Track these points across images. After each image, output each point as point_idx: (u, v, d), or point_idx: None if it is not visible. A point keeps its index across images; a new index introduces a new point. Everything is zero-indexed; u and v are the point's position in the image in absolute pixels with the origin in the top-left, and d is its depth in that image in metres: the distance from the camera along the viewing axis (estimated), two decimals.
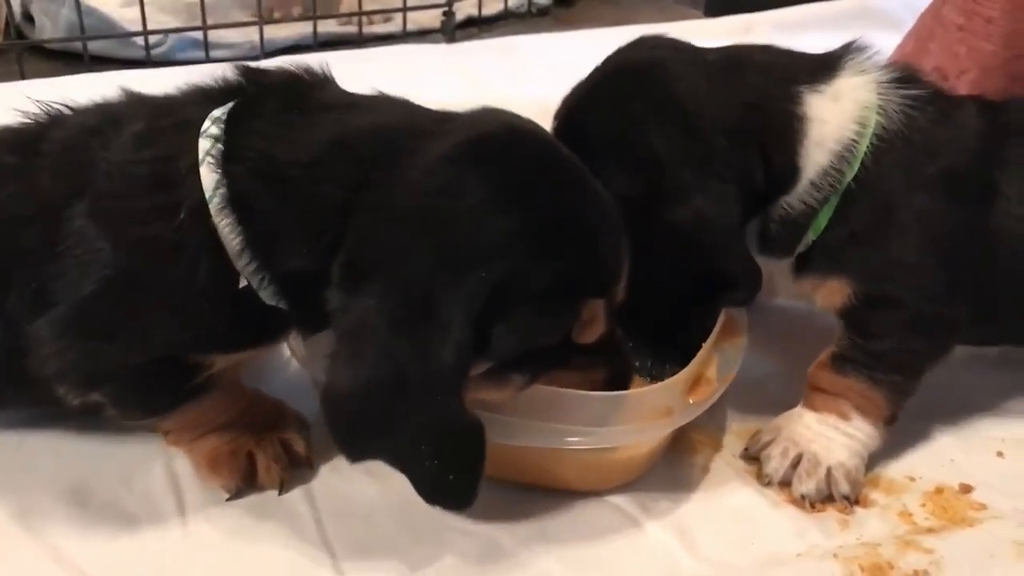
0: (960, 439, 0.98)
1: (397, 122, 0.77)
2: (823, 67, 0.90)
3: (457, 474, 0.75)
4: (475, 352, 0.71)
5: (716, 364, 0.90)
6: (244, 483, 0.89)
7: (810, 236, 0.89)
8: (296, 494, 0.89)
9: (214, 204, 0.75)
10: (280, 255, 0.76)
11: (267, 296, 0.78)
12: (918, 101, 0.89)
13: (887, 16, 2.08)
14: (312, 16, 1.98)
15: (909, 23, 1.46)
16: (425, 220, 0.71)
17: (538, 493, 0.89)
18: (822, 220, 0.88)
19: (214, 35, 1.95)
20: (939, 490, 0.91)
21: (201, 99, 0.82)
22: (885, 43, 1.46)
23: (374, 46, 2.04)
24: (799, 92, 0.87)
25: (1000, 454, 0.96)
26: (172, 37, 1.94)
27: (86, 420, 0.93)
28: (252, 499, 0.89)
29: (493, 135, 0.75)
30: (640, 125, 0.83)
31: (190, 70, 1.82)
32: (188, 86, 0.85)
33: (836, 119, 0.87)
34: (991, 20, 1.26)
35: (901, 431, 0.95)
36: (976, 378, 1.05)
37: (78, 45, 1.88)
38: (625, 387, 0.84)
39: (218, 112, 0.78)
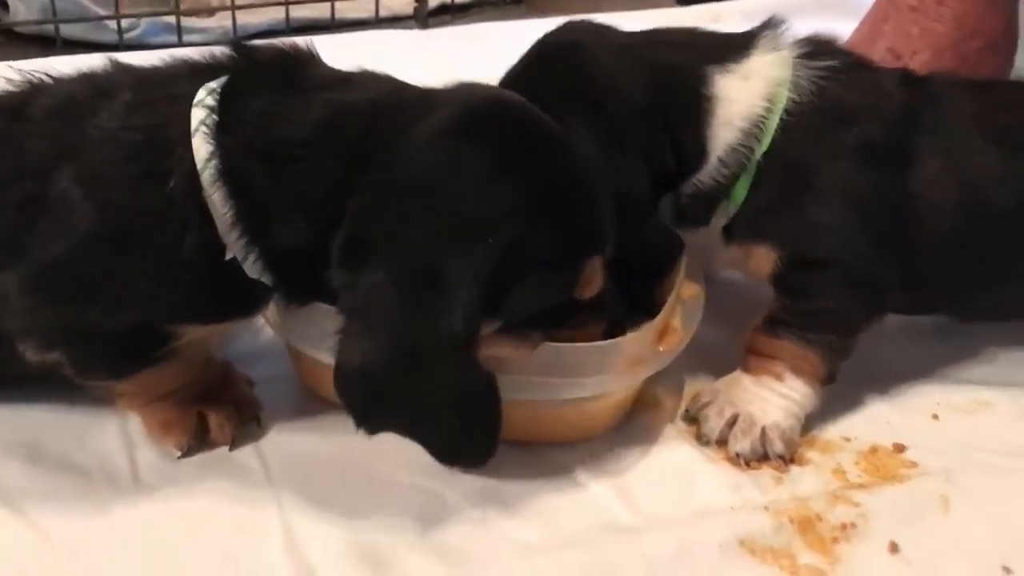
0: (897, 403, 1.00)
1: (387, 99, 0.78)
2: (737, 47, 0.93)
3: (478, 430, 0.78)
4: (487, 315, 0.74)
5: (680, 315, 0.93)
6: (195, 441, 0.91)
7: (730, 207, 0.92)
8: (246, 450, 0.91)
9: (207, 174, 0.76)
10: (273, 231, 0.77)
11: (252, 270, 0.79)
12: (832, 71, 0.91)
13: (853, 6, 2.09)
14: (284, 1, 1.99)
15: None
16: (427, 193, 0.73)
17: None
18: (740, 191, 0.91)
19: (187, 20, 1.97)
20: (873, 449, 0.93)
21: (190, 72, 0.83)
22: (847, 32, 1.49)
23: (346, 31, 2.05)
24: (707, 73, 0.90)
25: (935, 416, 0.99)
26: (145, 21, 1.96)
27: (41, 381, 0.95)
28: (203, 456, 0.91)
29: (483, 108, 0.77)
30: (557, 106, 0.84)
31: (164, 54, 1.84)
32: (176, 59, 0.86)
33: (744, 97, 0.90)
34: (942, 2, 1.29)
35: (840, 396, 0.98)
36: (915, 347, 1.08)
37: (51, 29, 1.89)
38: (622, 334, 0.88)
39: (213, 84, 0.79)
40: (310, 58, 0.83)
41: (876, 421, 0.98)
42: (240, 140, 0.76)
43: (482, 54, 2.06)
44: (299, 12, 2.05)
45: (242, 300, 0.84)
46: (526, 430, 0.90)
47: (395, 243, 0.73)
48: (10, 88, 0.87)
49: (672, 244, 0.94)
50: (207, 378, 0.93)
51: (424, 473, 0.88)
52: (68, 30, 1.92)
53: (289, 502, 0.86)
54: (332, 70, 0.83)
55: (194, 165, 0.76)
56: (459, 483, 0.88)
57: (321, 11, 2.07)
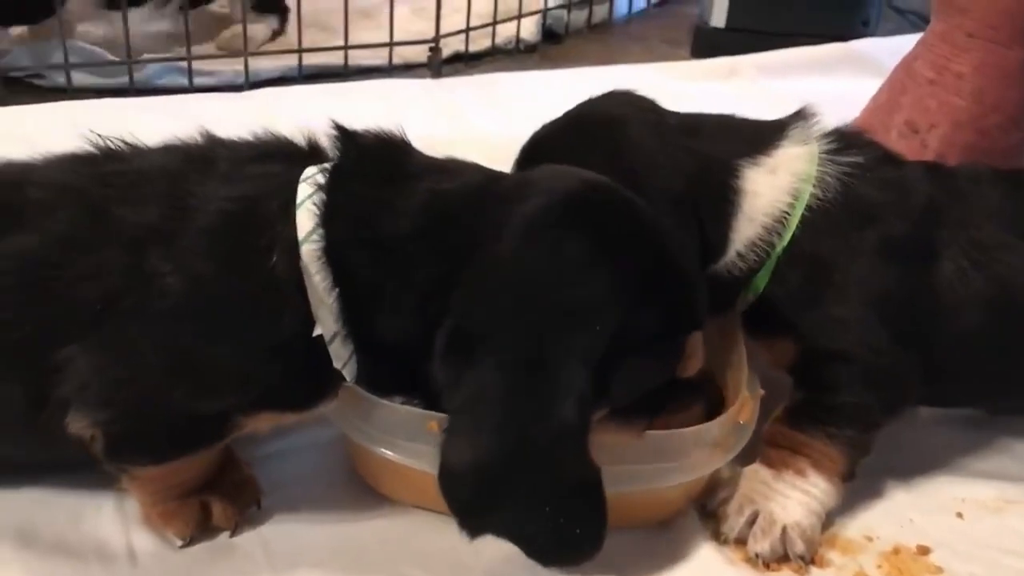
0: (919, 499, 0.97)
1: (485, 188, 0.78)
2: (768, 138, 0.92)
3: (586, 526, 0.76)
4: (596, 402, 0.73)
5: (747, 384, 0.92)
6: (197, 531, 0.88)
7: (749, 297, 0.91)
8: (249, 536, 0.88)
9: (308, 250, 0.75)
10: (371, 320, 0.76)
11: (338, 352, 0.77)
12: (858, 168, 0.91)
13: (871, 62, 2.09)
14: (298, 49, 1.98)
15: (891, 69, 1.46)
16: (530, 283, 0.73)
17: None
18: (759, 283, 0.90)
19: (198, 64, 1.96)
20: (896, 551, 0.90)
21: (287, 154, 0.81)
22: (868, 89, 1.48)
23: (359, 79, 2.04)
24: (739, 165, 0.90)
25: (959, 515, 0.95)
26: (154, 64, 1.95)
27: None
28: (205, 544, 0.87)
29: (578, 194, 0.77)
30: None
31: (179, 99, 1.83)
32: (270, 134, 0.84)
33: (770, 192, 0.89)
34: (961, 76, 1.27)
35: (860, 490, 0.95)
36: (936, 437, 1.04)
37: (60, 79, 1.88)
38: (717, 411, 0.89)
39: (322, 166, 0.78)
40: (406, 145, 0.82)
41: (898, 518, 0.94)
42: (345, 224, 0.75)
43: (495, 103, 2.06)
44: (312, 59, 2.04)
45: (324, 388, 0.82)
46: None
47: (500, 335, 0.72)
48: (90, 149, 0.84)
49: None
50: (215, 464, 0.90)
51: (431, 566, 0.85)
52: (77, 76, 1.90)
53: None
54: (427, 157, 0.82)
55: (296, 242, 0.75)
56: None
57: (334, 58, 2.05)
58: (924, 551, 0.90)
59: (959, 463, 1.02)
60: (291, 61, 2.02)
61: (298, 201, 0.76)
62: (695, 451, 0.86)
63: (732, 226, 0.89)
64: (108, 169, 0.82)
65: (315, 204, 0.76)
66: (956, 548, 0.91)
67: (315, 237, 0.75)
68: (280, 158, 0.81)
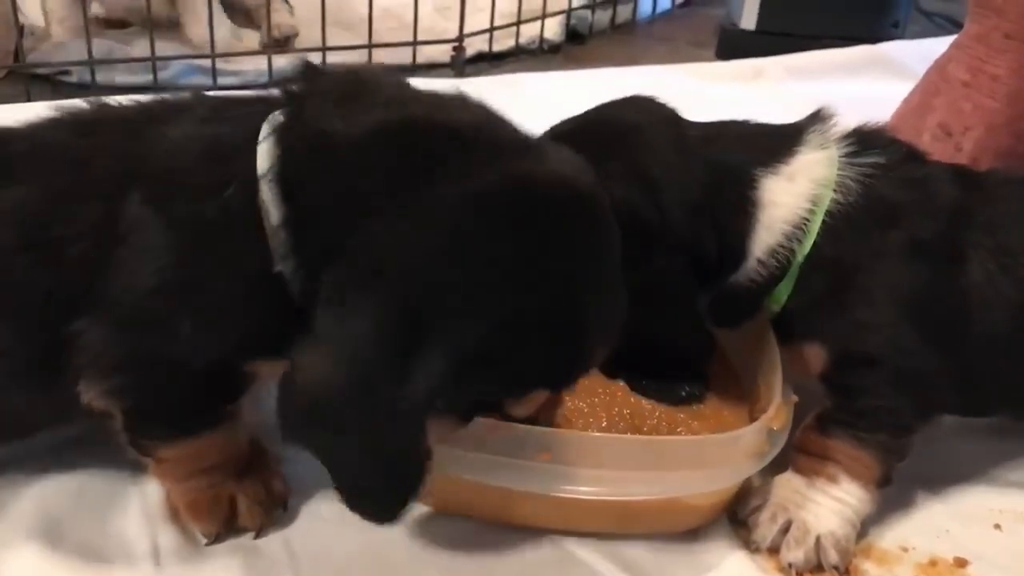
0: (957, 510, 0.95)
1: (467, 130, 0.73)
2: (785, 144, 0.90)
3: (392, 494, 0.73)
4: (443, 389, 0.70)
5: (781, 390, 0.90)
6: (224, 529, 0.87)
7: (773, 306, 0.90)
8: (273, 539, 0.88)
9: (267, 179, 0.73)
10: (319, 246, 0.72)
11: (295, 286, 0.75)
12: (879, 169, 0.89)
13: (897, 64, 2.08)
14: (322, 48, 1.98)
15: (920, 72, 1.45)
16: (445, 247, 0.69)
17: (514, 540, 0.87)
18: (782, 292, 0.89)
19: (221, 63, 1.96)
20: (933, 563, 0.88)
21: (266, 99, 0.80)
22: (895, 92, 1.46)
23: None
24: (756, 175, 0.88)
25: (998, 527, 0.93)
26: (177, 63, 1.95)
27: (62, 457, 0.92)
28: (228, 543, 0.87)
29: (541, 185, 0.72)
30: (607, 188, 0.80)
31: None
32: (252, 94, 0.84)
33: (788, 200, 0.87)
34: (997, 78, 1.25)
35: (896, 499, 0.93)
36: (972, 447, 1.02)
37: (85, 75, 1.88)
38: None
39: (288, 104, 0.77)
40: (396, 82, 0.80)
41: (935, 529, 0.92)
42: (296, 149, 0.74)
43: (518, 103, 2.02)
44: (335, 58, 2.02)
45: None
46: (624, 523, 0.89)
47: (394, 284, 0.68)
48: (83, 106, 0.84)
49: (704, 343, 0.94)
50: (240, 454, 0.89)
51: (456, 573, 0.84)
52: (102, 76, 1.90)
53: None
54: (412, 88, 0.79)
55: (255, 175, 0.74)
56: None
57: (358, 57, 2.04)
58: (961, 563, 0.88)
59: (996, 473, 1.00)
60: (315, 59, 2.00)
61: (260, 137, 0.75)
62: (727, 458, 0.85)
63: (751, 236, 0.88)
64: (92, 118, 0.82)
65: (276, 132, 0.74)
66: (995, 560, 0.89)
67: (273, 163, 0.74)
68: (257, 103, 0.80)
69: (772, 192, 0.88)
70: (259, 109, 0.78)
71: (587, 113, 0.95)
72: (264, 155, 0.74)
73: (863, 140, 0.91)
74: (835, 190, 0.88)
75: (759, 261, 0.88)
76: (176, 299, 0.75)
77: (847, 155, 0.90)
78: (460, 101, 0.77)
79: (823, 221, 0.87)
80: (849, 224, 0.87)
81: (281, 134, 0.74)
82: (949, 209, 0.90)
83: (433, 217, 0.69)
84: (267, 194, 0.73)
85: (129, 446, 0.84)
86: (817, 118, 0.93)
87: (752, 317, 0.92)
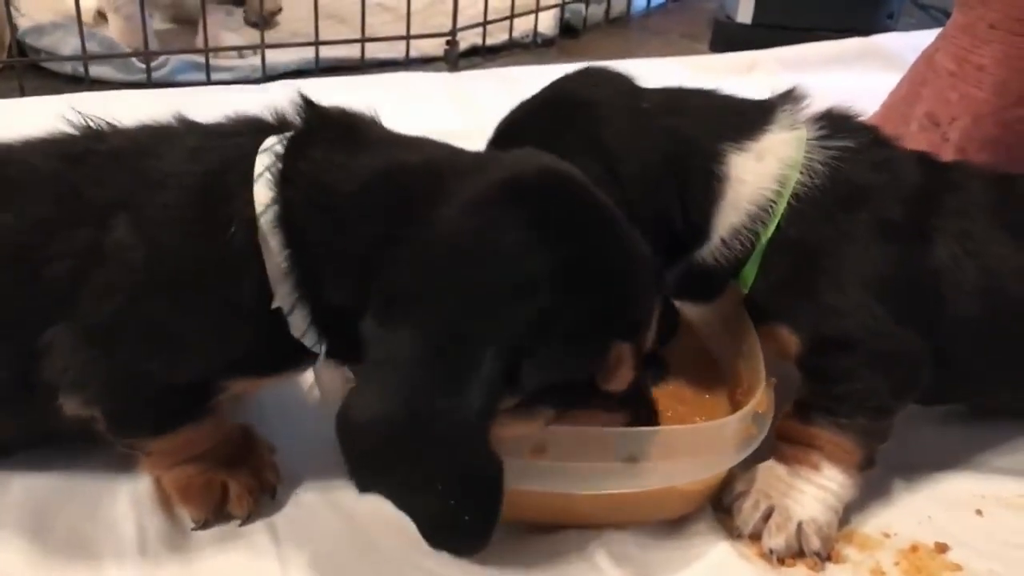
0: (938, 495, 0.95)
1: (440, 160, 0.77)
2: (755, 121, 0.90)
3: (475, 516, 0.74)
4: (506, 389, 0.71)
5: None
6: (213, 515, 0.88)
7: (741, 288, 0.90)
8: (259, 526, 0.88)
9: (265, 220, 0.75)
10: (323, 284, 0.75)
11: (296, 322, 0.77)
12: (847, 152, 0.89)
13: (892, 56, 2.07)
14: (315, 42, 1.98)
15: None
16: (461, 257, 0.71)
17: (504, 534, 0.87)
18: (749, 274, 0.89)
19: (215, 59, 1.96)
20: (914, 548, 0.89)
21: (256, 126, 0.82)
22: (888, 83, 1.46)
23: (376, 72, 2.04)
24: (723, 150, 0.88)
25: (979, 512, 0.94)
26: (173, 60, 1.95)
27: (50, 446, 0.93)
28: (213, 530, 0.88)
29: (530, 176, 0.75)
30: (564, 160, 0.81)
31: (193, 91, 1.83)
32: (240, 115, 0.85)
33: (755, 179, 0.87)
34: (982, 68, 1.25)
35: (879, 486, 0.94)
36: (955, 434, 1.03)
37: (80, 68, 1.89)
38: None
39: (283, 136, 0.79)
40: (372, 122, 0.83)
41: (917, 515, 0.93)
42: (298, 189, 0.76)
43: (512, 97, 2.03)
44: (329, 52, 2.03)
45: (292, 353, 0.81)
46: (617, 513, 0.89)
47: (424, 303, 0.71)
48: (70, 131, 0.86)
49: (668, 317, 0.93)
50: (231, 440, 0.91)
51: (446, 561, 0.84)
52: (97, 70, 1.91)
53: None
54: (391, 132, 0.82)
55: (254, 213, 0.75)
56: (481, 572, 0.84)
57: (351, 51, 2.05)
58: (942, 548, 0.89)
59: (978, 459, 1.00)
60: (308, 54, 2.01)
61: (256, 172, 0.76)
62: (716, 446, 0.85)
63: (715, 213, 0.87)
64: (83, 148, 0.83)
65: (271, 175, 0.76)
66: (975, 546, 0.89)
67: (271, 207, 0.75)
68: (245, 133, 0.81)
69: (739, 169, 0.87)
70: (247, 141, 0.79)
71: (543, 92, 0.95)
72: (262, 197, 0.76)
73: (833, 123, 0.91)
74: (802, 172, 0.87)
75: (723, 240, 0.88)
76: (152, 322, 0.77)
77: (817, 137, 0.90)
78: (425, 141, 0.81)
79: (789, 203, 0.87)
80: (815, 207, 0.87)
81: (280, 179, 0.76)
82: (915, 191, 0.90)
83: (441, 235, 0.72)
84: (269, 239, 0.75)
85: (113, 442, 0.85)
86: (789, 97, 0.92)
87: (718, 295, 0.92)
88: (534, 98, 0.94)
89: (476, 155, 0.80)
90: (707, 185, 0.87)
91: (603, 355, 0.76)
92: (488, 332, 0.70)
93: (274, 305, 0.77)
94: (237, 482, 0.89)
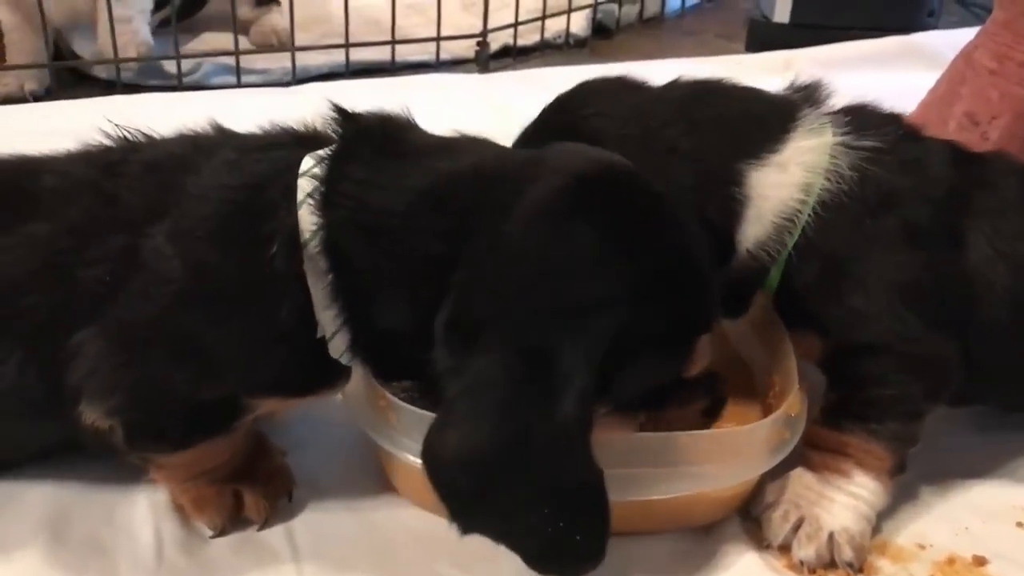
0: (976, 506, 0.92)
1: (490, 166, 0.75)
2: (775, 127, 0.86)
3: (586, 532, 0.71)
4: (598, 397, 0.70)
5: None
6: (229, 522, 0.87)
7: (767, 294, 0.88)
8: (276, 531, 0.87)
9: (312, 246, 0.73)
10: (370, 308, 0.74)
11: (336, 347, 0.76)
12: (875, 152, 0.86)
13: (931, 55, 2.03)
14: (345, 44, 1.98)
15: None
16: (536, 271, 0.69)
17: None
18: (773, 281, 0.87)
19: (246, 61, 1.97)
20: (951, 561, 0.86)
21: (293, 139, 0.81)
22: (927, 82, 1.43)
23: (407, 74, 2.03)
24: (741, 170, 0.85)
25: (1020, 524, 0.90)
26: (205, 63, 1.96)
27: (69, 449, 0.92)
28: (231, 536, 0.87)
29: (591, 177, 0.73)
30: None
31: (225, 94, 1.84)
32: (275, 126, 0.83)
33: (778, 192, 0.84)
34: None
35: (913, 495, 0.91)
36: (993, 442, 0.99)
37: (112, 72, 1.90)
38: (720, 412, 0.86)
39: (320, 153, 0.77)
40: (408, 125, 0.80)
41: (954, 526, 0.90)
42: (342, 211, 0.74)
43: (544, 98, 2.02)
44: (359, 54, 2.03)
45: (330, 374, 0.80)
46: (646, 522, 0.87)
47: (503, 323, 0.69)
48: (106, 143, 0.85)
49: None
50: (244, 451, 0.89)
51: (463, 562, 0.83)
52: (128, 72, 1.92)
53: None
54: (432, 136, 0.80)
55: (297, 233, 0.74)
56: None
57: (382, 53, 2.05)
58: (980, 562, 0.86)
59: (1017, 469, 0.97)
60: (338, 56, 2.01)
61: (299, 197, 0.74)
62: (749, 450, 0.84)
63: (739, 230, 0.85)
64: (119, 158, 0.82)
65: (314, 200, 0.74)
66: (1016, 559, 0.86)
67: (316, 231, 0.73)
68: (284, 146, 0.79)
69: (761, 186, 0.85)
70: (285, 155, 0.78)
71: (537, 121, 0.92)
72: (306, 224, 0.74)
73: (858, 120, 0.88)
74: (827, 177, 0.85)
75: (749, 252, 0.86)
76: (186, 334, 0.76)
77: (842, 138, 0.86)
78: (465, 141, 0.78)
79: (814, 210, 0.84)
80: (841, 211, 0.85)
81: (324, 203, 0.74)
82: (945, 192, 0.87)
83: (512, 252, 0.70)
84: (315, 265, 0.74)
85: (128, 454, 0.84)
86: (811, 94, 0.89)
87: (748, 308, 0.90)
88: (531, 130, 0.92)
89: (524, 156, 0.77)
90: (728, 208, 0.85)
91: (688, 353, 0.76)
92: (574, 345, 0.68)
93: (319, 334, 0.75)
94: (251, 489, 0.88)
